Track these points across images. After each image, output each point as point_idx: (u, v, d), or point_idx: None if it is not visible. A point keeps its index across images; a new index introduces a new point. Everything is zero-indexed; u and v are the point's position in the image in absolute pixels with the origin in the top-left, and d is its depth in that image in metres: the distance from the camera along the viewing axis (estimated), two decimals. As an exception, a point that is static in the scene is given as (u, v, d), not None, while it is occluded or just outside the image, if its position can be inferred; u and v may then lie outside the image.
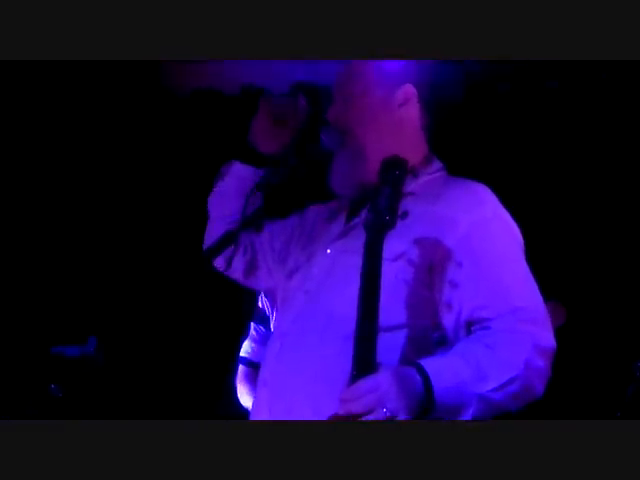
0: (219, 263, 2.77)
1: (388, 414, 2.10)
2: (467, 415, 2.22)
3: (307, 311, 2.45)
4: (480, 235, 2.36)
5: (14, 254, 4.24)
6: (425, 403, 2.16)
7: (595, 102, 3.89)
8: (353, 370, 2.13)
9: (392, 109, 2.53)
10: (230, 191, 2.76)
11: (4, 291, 4.18)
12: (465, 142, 3.68)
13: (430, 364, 2.21)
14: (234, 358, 3.38)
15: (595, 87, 3.86)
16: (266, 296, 3.28)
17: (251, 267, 2.78)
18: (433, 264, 2.34)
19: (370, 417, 2.10)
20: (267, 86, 2.81)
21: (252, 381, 3.18)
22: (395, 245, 2.28)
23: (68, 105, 4.15)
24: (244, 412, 3.22)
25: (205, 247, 2.79)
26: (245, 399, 3.25)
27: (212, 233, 2.79)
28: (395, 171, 2.24)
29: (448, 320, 2.35)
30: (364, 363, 2.12)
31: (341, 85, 2.60)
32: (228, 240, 2.62)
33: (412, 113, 2.55)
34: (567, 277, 2.66)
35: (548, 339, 2.31)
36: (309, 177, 2.69)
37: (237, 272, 2.79)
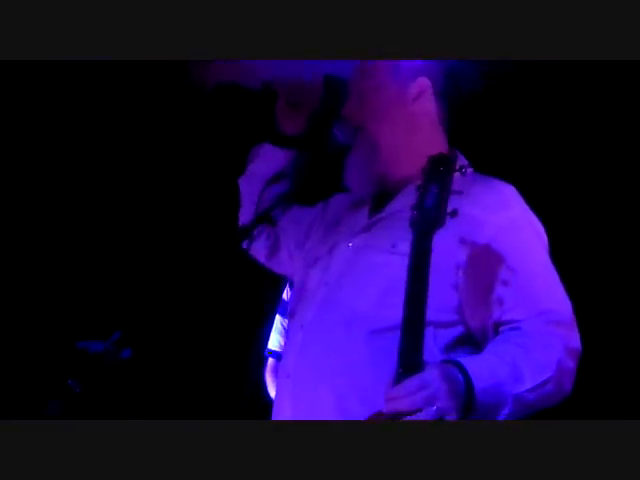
0: (245, 243, 2.77)
1: (439, 413, 2.07)
2: (501, 415, 2.21)
3: (329, 304, 2.44)
4: (509, 237, 2.34)
5: (40, 251, 4.23)
6: (467, 403, 2.14)
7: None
8: (399, 368, 2.09)
9: (406, 103, 2.50)
10: (259, 173, 2.77)
11: (25, 288, 4.17)
12: (482, 136, 3.65)
13: (470, 363, 2.19)
14: (257, 353, 3.38)
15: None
16: (291, 288, 3.27)
17: (273, 250, 2.79)
18: (461, 264, 2.32)
19: (419, 416, 2.07)
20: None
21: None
22: None
23: (86, 104, 4.16)
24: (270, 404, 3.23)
25: (238, 227, 2.81)
26: (272, 391, 3.21)
27: (242, 213, 2.81)
28: (440, 167, 2.20)
29: (475, 320, 2.34)
30: (411, 361, 2.09)
31: (356, 80, 2.57)
32: (247, 230, 2.63)
33: (427, 107, 2.52)
34: (586, 276, 2.63)
35: (576, 340, 2.32)
36: (330, 166, 2.66)
37: (260, 254, 2.80)
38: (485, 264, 2.31)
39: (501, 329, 2.32)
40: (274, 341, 3.28)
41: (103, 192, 4.28)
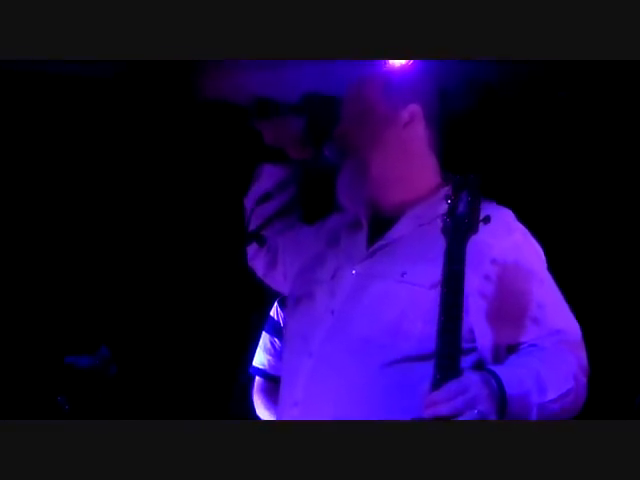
0: (249, 253, 2.78)
1: (480, 416, 2.10)
2: None
3: (339, 333, 2.43)
4: (515, 260, 2.36)
5: (25, 263, 4.21)
6: (500, 410, 2.17)
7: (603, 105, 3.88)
8: (436, 374, 2.12)
9: (396, 129, 2.50)
10: (263, 191, 2.77)
11: (12, 300, 4.16)
12: (472, 153, 3.68)
13: (501, 372, 2.22)
14: (243, 366, 3.38)
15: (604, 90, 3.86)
16: (282, 309, 3.27)
17: (271, 265, 2.78)
18: (468, 290, 2.31)
19: (459, 420, 2.10)
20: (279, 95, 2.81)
21: (270, 394, 3.20)
22: (433, 272, 2.27)
23: (77, 108, 4.14)
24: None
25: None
26: (262, 412, 3.23)
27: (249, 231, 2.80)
28: (470, 175, 2.25)
29: (488, 346, 2.35)
30: (448, 367, 2.12)
31: (347, 103, 2.58)
32: (250, 238, 2.66)
33: (418, 133, 2.52)
34: (574, 280, 2.66)
35: (585, 359, 2.35)
36: (323, 186, 2.69)
37: (259, 267, 2.80)
38: (493, 289, 2.33)
39: (517, 349, 2.34)
40: (261, 359, 3.28)
41: (92, 202, 4.28)
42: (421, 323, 2.26)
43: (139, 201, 4.26)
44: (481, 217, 2.21)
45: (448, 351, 2.13)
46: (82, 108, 4.12)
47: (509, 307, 2.33)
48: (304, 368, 2.45)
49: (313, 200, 2.75)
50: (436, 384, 2.11)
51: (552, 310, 2.36)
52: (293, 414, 2.44)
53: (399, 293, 2.38)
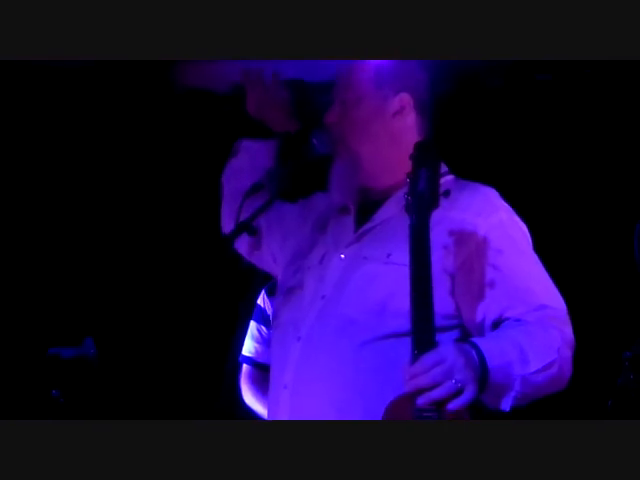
0: (231, 237, 2.74)
1: (458, 385, 2.14)
2: (509, 397, 2.26)
3: (327, 316, 2.45)
4: (500, 238, 2.39)
5: (8, 257, 4.20)
6: (481, 379, 2.20)
7: (592, 101, 3.90)
8: (414, 350, 2.16)
9: (386, 117, 2.53)
10: (242, 167, 2.77)
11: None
12: (462, 142, 3.69)
13: (481, 342, 2.25)
14: (231, 356, 3.38)
15: (590, 86, 3.87)
16: (268, 297, 3.28)
17: (255, 245, 2.77)
18: (455, 268, 2.37)
19: (440, 390, 2.13)
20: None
21: (258, 382, 3.20)
22: None
23: (65, 106, 4.12)
24: (245, 411, 3.24)
25: (222, 226, 2.81)
26: (250, 400, 3.24)
27: (226, 210, 2.80)
28: (427, 152, 2.29)
29: (473, 321, 2.38)
30: (425, 341, 2.16)
31: (338, 91, 2.60)
32: (241, 228, 2.61)
33: (407, 122, 2.55)
34: (554, 267, 2.69)
35: (571, 333, 2.38)
36: (311, 172, 2.69)
37: (243, 247, 2.78)
38: (480, 266, 2.36)
39: (502, 324, 2.37)
40: (249, 347, 3.28)
41: (72, 196, 4.26)
42: (407, 301, 2.25)
43: (119, 192, 4.25)
44: (441, 191, 2.25)
45: (422, 326, 2.17)
46: (58, 98, 4.10)
47: (494, 283, 2.36)
48: (293, 352, 2.47)
49: (294, 177, 2.74)
50: (414, 358, 2.16)
51: (537, 286, 2.39)
52: (283, 396, 2.46)
53: (385, 274, 2.41)
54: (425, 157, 2.29)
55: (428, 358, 2.15)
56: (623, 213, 3.39)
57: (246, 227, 2.61)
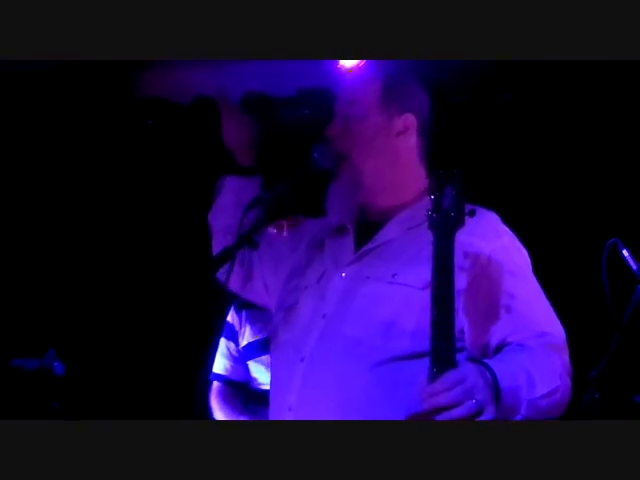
0: (220, 276, 2.66)
1: (479, 405, 2.12)
2: (513, 420, 2.26)
3: (330, 336, 2.43)
4: (504, 263, 2.40)
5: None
6: (494, 401, 2.19)
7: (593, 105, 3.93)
8: (433, 367, 2.14)
9: (390, 137, 2.52)
10: (228, 205, 2.72)
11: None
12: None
13: (494, 364, 2.24)
14: (199, 370, 3.36)
15: (593, 89, 3.90)
16: (237, 313, 3.28)
17: (247, 279, 2.72)
18: (459, 291, 2.34)
19: (460, 410, 2.11)
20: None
21: (229, 399, 3.22)
22: (424, 273, 2.28)
23: (58, 111, 4.10)
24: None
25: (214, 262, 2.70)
26: (221, 417, 3.21)
27: (216, 247, 2.74)
28: (454, 169, 2.28)
29: (477, 345, 2.38)
30: (444, 359, 2.14)
31: (342, 105, 2.58)
32: (226, 256, 2.54)
33: (410, 142, 2.55)
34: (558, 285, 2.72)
35: (569, 361, 2.40)
36: (306, 192, 2.67)
37: (235, 285, 2.71)
38: (485, 290, 2.36)
39: (505, 349, 2.37)
40: (219, 365, 3.27)
41: (44, 206, 4.23)
42: (413, 323, 2.28)
43: (91, 202, 4.22)
44: (466, 211, 2.25)
45: (443, 344, 2.16)
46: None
47: (499, 307, 2.36)
48: (296, 373, 2.44)
49: (282, 205, 2.73)
50: (432, 377, 2.13)
51: (539, 312, 2.41)
52: (288, 418, 2.42)
53: (391, 294, 2.40)
54: (450, 175, 2.27)
55: (449, 376, 2.12)
56: (594, 232, 3.41)
57: (247, 239, 2.58)
